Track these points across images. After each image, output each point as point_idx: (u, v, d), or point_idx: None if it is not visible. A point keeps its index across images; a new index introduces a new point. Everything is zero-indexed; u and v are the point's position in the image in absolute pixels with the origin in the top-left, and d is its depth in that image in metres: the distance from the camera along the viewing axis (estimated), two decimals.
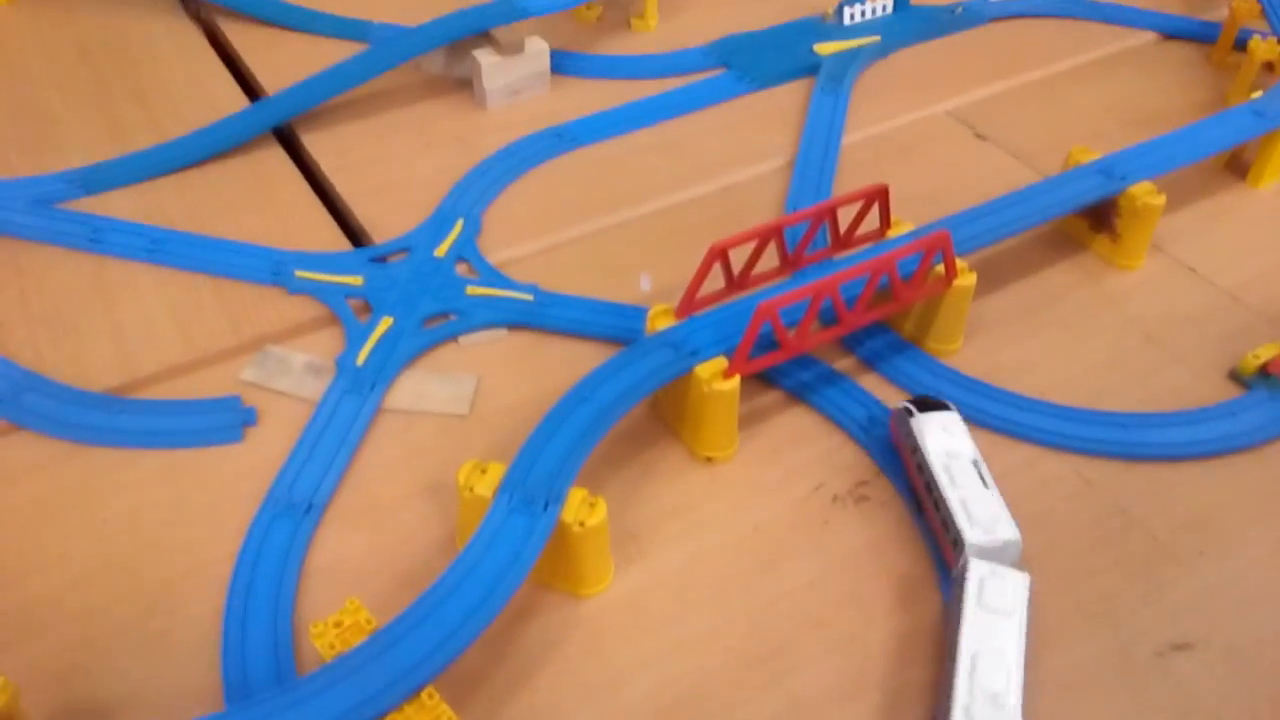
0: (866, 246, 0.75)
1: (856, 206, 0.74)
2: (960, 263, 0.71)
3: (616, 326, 0.76)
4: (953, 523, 0.59)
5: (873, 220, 0.75)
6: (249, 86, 1.01)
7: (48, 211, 0.82)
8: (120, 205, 0.84)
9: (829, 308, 0.67)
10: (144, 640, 0.57)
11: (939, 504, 0.61)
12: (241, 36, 1.07)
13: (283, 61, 1.02)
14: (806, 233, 0.72)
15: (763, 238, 0.69)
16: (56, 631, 0.57)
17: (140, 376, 0.71)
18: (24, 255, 0.79)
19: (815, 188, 0.90)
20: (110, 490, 0.64)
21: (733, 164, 0.94)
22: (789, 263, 0.74)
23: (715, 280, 0.69)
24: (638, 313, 0.76)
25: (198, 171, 0.88)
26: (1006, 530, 0.58)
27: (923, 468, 0.62)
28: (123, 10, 1.08)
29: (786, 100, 1.02)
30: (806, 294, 0.64)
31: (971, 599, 0.55)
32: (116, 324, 0.74)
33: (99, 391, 0.69)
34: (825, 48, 1.08)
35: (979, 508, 0.59)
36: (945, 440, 0.63)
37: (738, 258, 0.69)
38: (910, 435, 0.64)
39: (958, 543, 0.59)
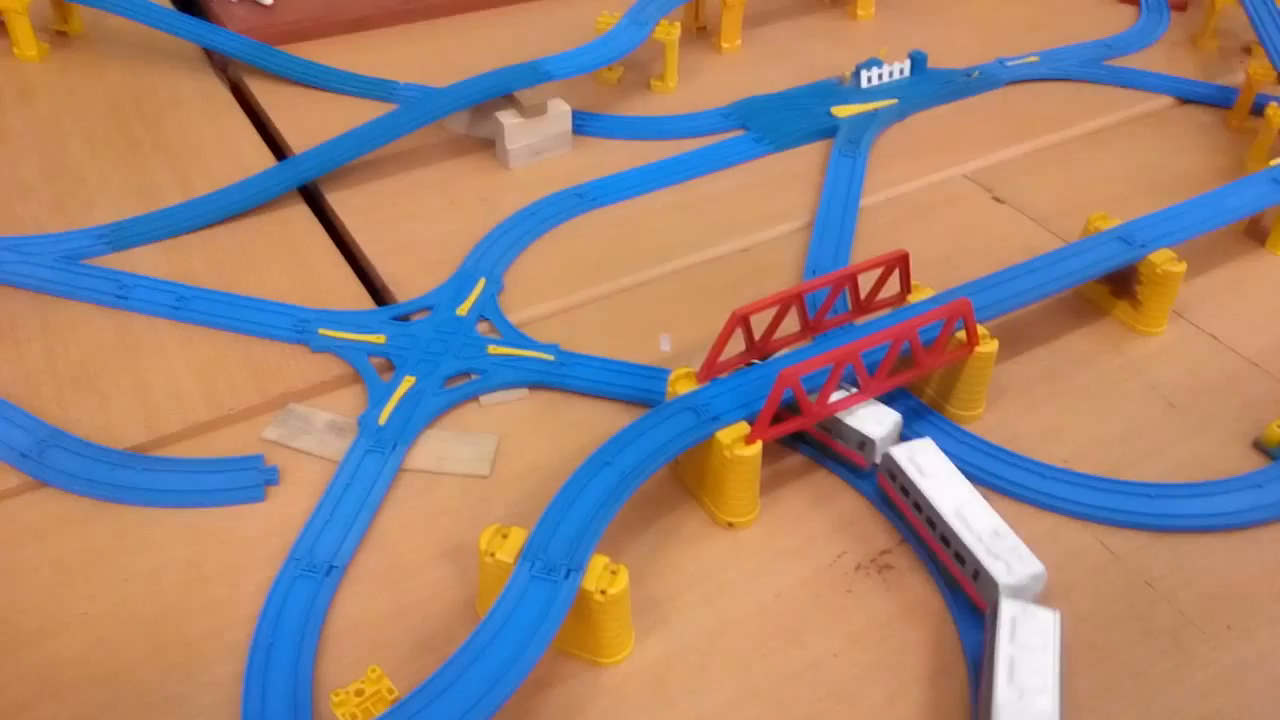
0: (887, 312, 0.76)
1: (877, 272, 0.74)
2: (981, 329, 0.72)
3: (637, 388, 0.76)
4: (979, 565, 0.59)
5: (893, 285, 0.76)
6: (275, 144, 1.03)
7: (75, 267, 0.84)
8: (147, 261, 0.85)
9: (851, 373, 0.67)
10: (164, 703, 0.56)
11: (956, 549, 0.61)
12: (268, 95, 1.09)
13: (309, 119, 1.04)
14: (827, 298, 0.73)
15: (784, 304, 0.69)
16: (78, 693, 0.56)
17: (165, 434, 0.71)
18: (51, 311, 0.80)
19: (834, 250, 0.90)
20: (133, 549, 0.64)
21: (752, 225, 0.95)
22: (810, 327, 0.74)
23: (736, 343, 0.69)
24: (658, 374, 0.76)
25: (225, 228, 0.89)
26: (1031, 564, 0.59)
27: (921, 506, 0.63)
28: (152, 69, 1.11)
29: (805, 162, 1.03)
30: (828, 361, 0.64)
31: (1005, 638, 0.55)
32: (142, 381, 0.75)
33: (124, 449, 0.69)
34: (843, 110, 1.09)
35: (999, 544, 0.60)
36: (936, 475, 0.64)
37: (759, 321, 0.70)
38: (899, 474, 0.64)
39: (984, 582, 0.59)
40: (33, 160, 0.97)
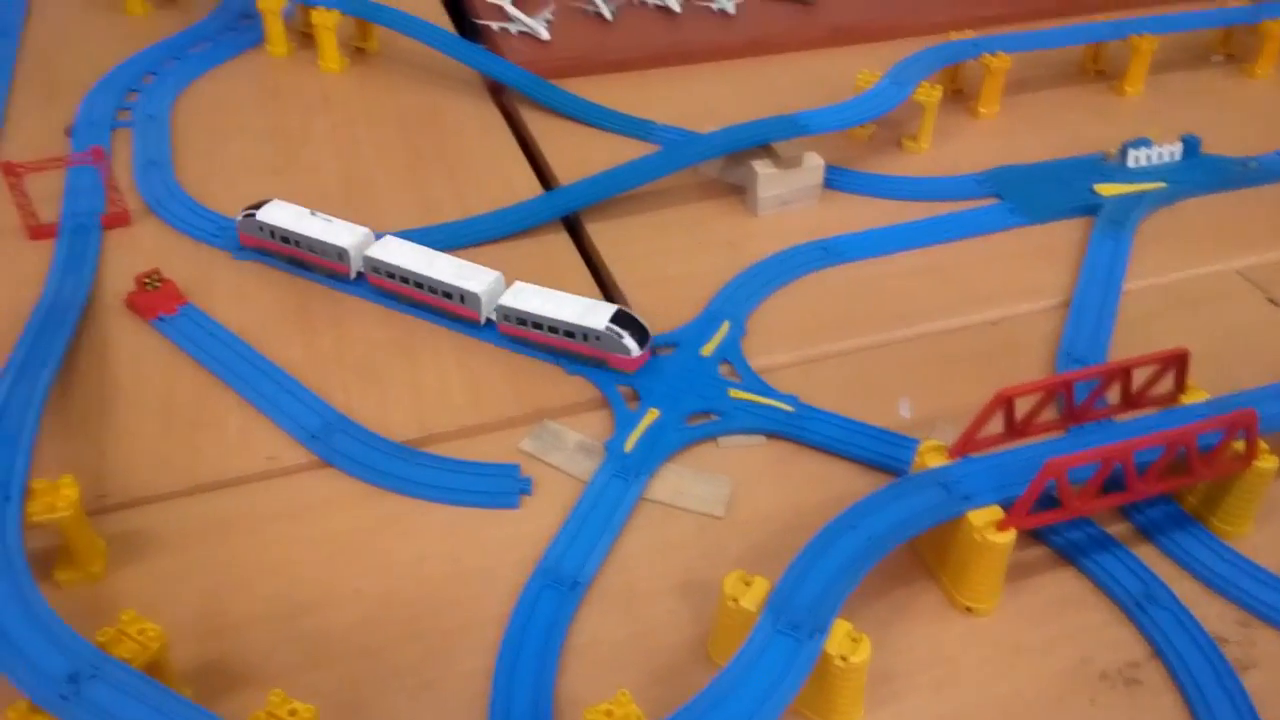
0: (1156, 411, 0.72)
1: (1150, 366, 0.71)
2: (1262, 443, 0.67)
3: (876, 451, 0.76)
4: None
5: (1165, 381, 0.72)
6: (539, 169, 1.10)
7: None
8: None
9: (1116, 471, 0.65)
10: (418, 686, 0.61)
11: None
12: (537, 123, 1.16)
13: (572, 150, 1.11)
14: (1096, 389, 0.71)
15: (1052, 391, 0.68)
16: (345, 664, 0.62)
17: (434, 432, 0.77)
18: (342, 306, 0.88)
19: (1092, 334, 0.87)
20: (400, 535, 0.70)
21: (1002, 297, 0.93)
22: (1072, 415, 0.72)
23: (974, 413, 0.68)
24: (899, 440, 0.76)
25: (494, 247, 0.96)
26: None
27: None
28: (438, 90, 1.20)
29: (1062, 238, 1.00)
30: (1098, 457, 0.62)
31: None
32: (416, 381, 0.81)
33: (398, 441, 0.75)
34: (1106, 189, 1.05)
35: None
36: None
37: (1019, 401, 0.68)
38: None
39: None
40: (331, 164, 1.07)
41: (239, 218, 0.90)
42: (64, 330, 0.78)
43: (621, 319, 0.81)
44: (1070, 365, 0.84)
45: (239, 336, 0.83)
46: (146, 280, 0.84)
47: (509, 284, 0.83)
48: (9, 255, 0.91)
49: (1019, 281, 0.95)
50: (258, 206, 0.89)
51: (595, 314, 0.80)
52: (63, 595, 0.64)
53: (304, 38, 1.26)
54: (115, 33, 1.27)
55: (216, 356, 0.81)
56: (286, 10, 1.23)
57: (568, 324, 0.80)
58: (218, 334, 0.83)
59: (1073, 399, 0.71)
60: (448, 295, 0.82)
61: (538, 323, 0.80)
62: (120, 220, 0.94)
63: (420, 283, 0.83)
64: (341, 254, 0.86)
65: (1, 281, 0.88)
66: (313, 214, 0.86)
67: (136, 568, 0.66)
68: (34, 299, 0.84)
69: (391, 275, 0.85)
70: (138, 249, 0.92)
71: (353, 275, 0.86)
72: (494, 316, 0.82)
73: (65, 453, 0.73)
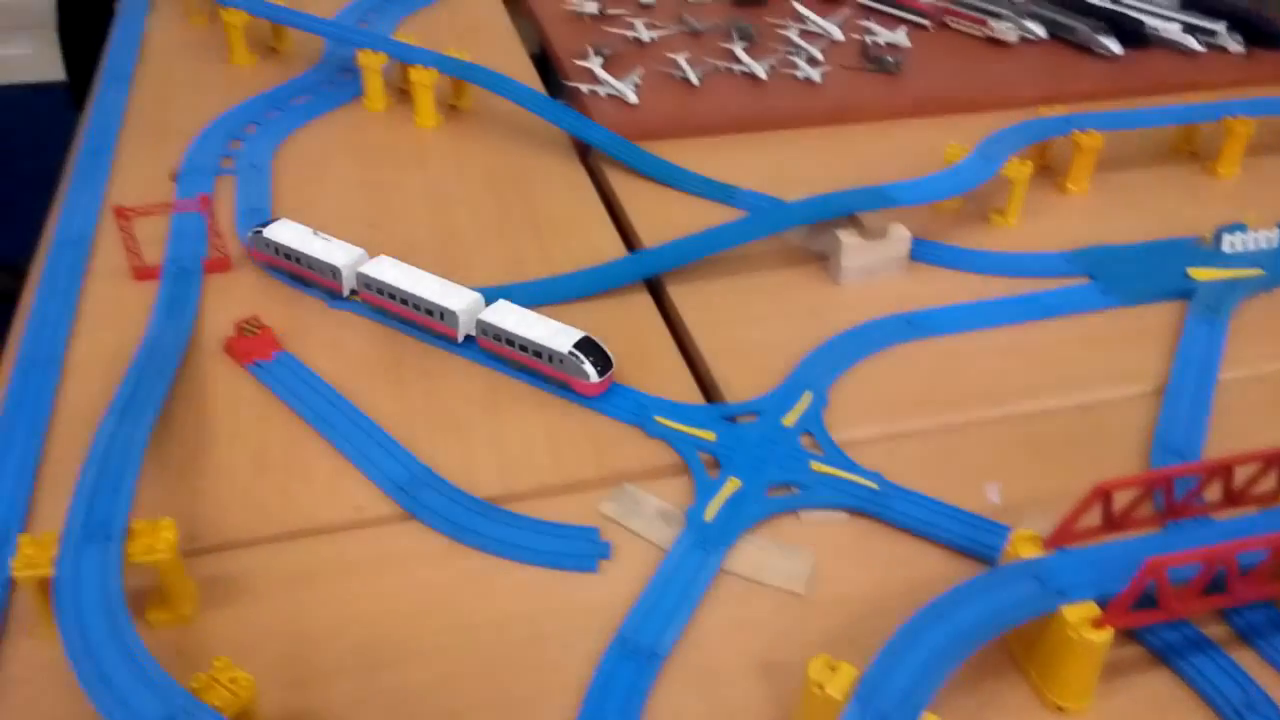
0: (1258, 510, 0.70)
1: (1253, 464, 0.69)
2: None
3: (964, 536, 0.74)
4: None
5: (1267, 479, 0.70)
6: (623, 229, 1.11)
7: None
8: None
9: (1218, 573, 0.63)
10: None
11: None
12: (622, 184, 1.18)
13: (655, 212, 1.12)
14: (1198, 485, 0.69)
15: (1152, 486, 0.66)
16: None
17: (516, 490, 0.77)
18: (431, 359, 0.90)
19: (1187, 425, 0.85)
20: (480, 593, 0.70)
21: (1092, 381, 0.91)
22: (1171, 511, 0.70)
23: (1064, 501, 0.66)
24: (993, 529, 0.74)
25: (578, 306, 0.97)
26: None
27: None
28: (527, 149, 1.23)
29: (1154, 321, 0.98)
30: (1200, 559, 0.60)
31: None
32: (501, 437, 0.82)
33: (481, 498, 0.76)
34: (1201, 273, 1.03)
35: None
36: None
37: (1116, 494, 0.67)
38: None
39: None
40: (423, 218, 1.10)
41: (249, 234, 0.97)
42: (166, 374, 0.81)
43: (586, 345, 0.85)
44: (1165, 456, 0.82)
45: (331, 385, 0.85)
46: (245, 326, 0.87)
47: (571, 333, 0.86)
48: (115, 295, 0.94)
49: (1110, 365, 0.93)
50: (265, 225, 0.96)
51: (561, 337, 0.85)
52: (153, 636, 0.65)
53: (401, 94, 1.30)
54: (222, 82, 1.32)
55: (309, 404, 0.83)
56: (386, 67, 1.27)
57: (535, 344, 0.85)
58: (311, 382, 0.85)
59: (1172, 494, 0.69)
60: (429, 312, 0.88)
61: (510, 339, 0.86)
62: (221, 265, 0.97)
63: (406, 299, 0.89)
64: (335, 272, 0.92)
65: (107, 320, 0.91)
66: (315, 234, 0.94)
67: (225, 611, 0.68)
68: (136, 338, 0.87)
69: (380, 292, 0.91)
70: (236, 294, 0.95)
71: (345, 292, 0.94)
72: (474, 332, 0.88)
73: (161, 493, 0.75)
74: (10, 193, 2.26)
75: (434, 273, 0.92)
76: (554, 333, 0.85)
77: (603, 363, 0.85)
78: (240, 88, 1.30)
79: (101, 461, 0.69)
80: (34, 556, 0.62)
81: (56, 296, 0.92)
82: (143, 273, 0.96)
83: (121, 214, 0.93)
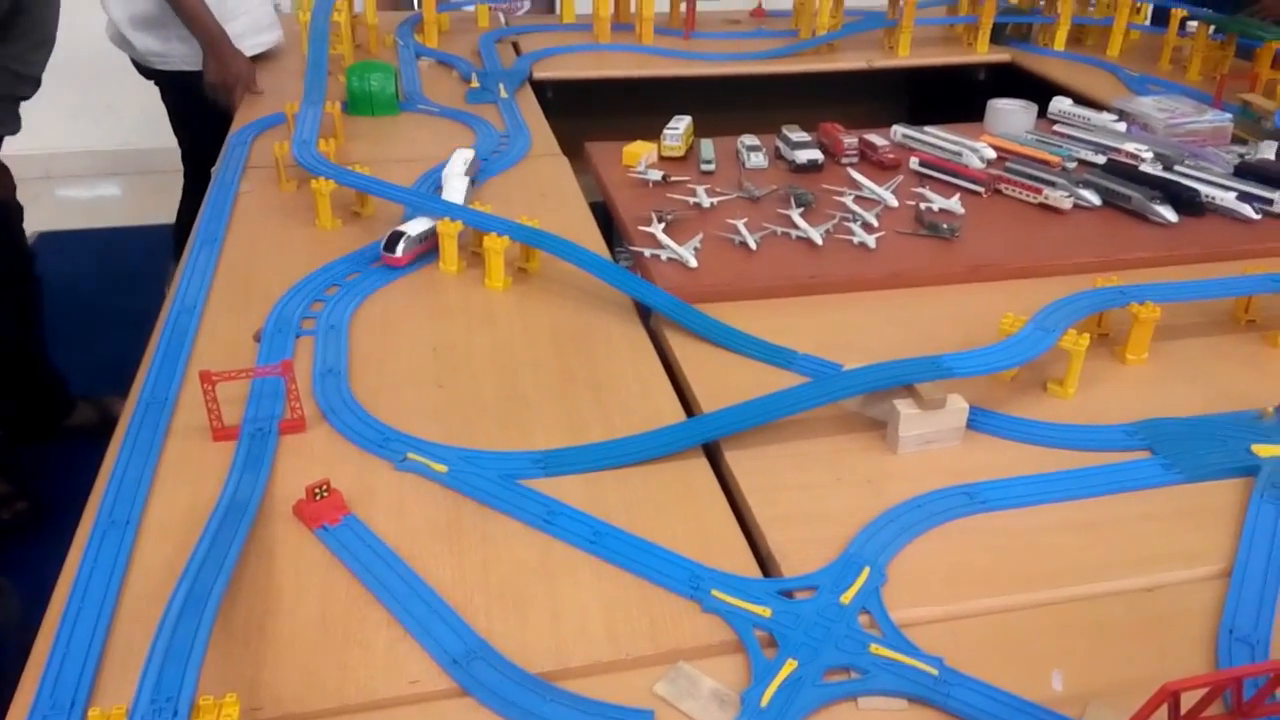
0: None
1: None
2: None
3: None
4: None
5: None
6: (681, 391, 1.14)
7: (514, 486, 0.96)
8: (571, 490, 0.96)
9: None
10: None
11: None
12: (682, 346, 1.21)
13: (714, 375, 1.15)
14: (1267, 684, 0.66)
15: (1221, 686, 0.64)
16: None
17: (570, 666, 0.77)
18: (490, 523, 0.92)
19: (1255, 611, 0.83)
20: None
21: (1157, 561, 0.89)
22: (1240, 711, 0.67)
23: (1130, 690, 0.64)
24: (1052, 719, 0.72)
25: (636, 470, 0.99)
26: None
27: None
28: (590, 311, 1.28)
29: (1219, 499, 0.97)
30: None
31: None
32: (556, 608, 0.83)
33: (535, 674, 0.76)
34: (1264, 450, 1.02)
35: None
36: None
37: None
38: None
39: None
40: (490, 378, 1.14)
41: None
42: (237, 540, 0.83)
43: None
44: (1233, 644, 0.80)
45: (394, 550, 0.87)
46: (316, 491, 0.90)
47: None
48: (194, 455, 0.99)
49: (1175, 545, 0.91)
50: None
51: None
52: None
53: (474, 256, 1.37)
54: (307, 245, 1.41)
55: (372, 570, 0.85)
56: (461, 232, 1.35)
57: None
58: (375, 547, 0.87)
59: (1241, 694, 0.66)
60: None
61: None
62: (296, 427, 1.02)
63: None
64: None
65: (185, 479, 0.96)
66: None
67: None
68: (211, 498, 0.91)
69: None
70: (309, 455, 0.99)
71: None
72: None
73: (226, 659, 0.77)
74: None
75: (496, 433, 0.94)
76: None
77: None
78: (325, 250, 1.39)
79: (171, 634, 0.71)
80: None
81: (138, 457, 0.97)
82: (222, 434, 1.00)
83: (207, 379, 0.99)
